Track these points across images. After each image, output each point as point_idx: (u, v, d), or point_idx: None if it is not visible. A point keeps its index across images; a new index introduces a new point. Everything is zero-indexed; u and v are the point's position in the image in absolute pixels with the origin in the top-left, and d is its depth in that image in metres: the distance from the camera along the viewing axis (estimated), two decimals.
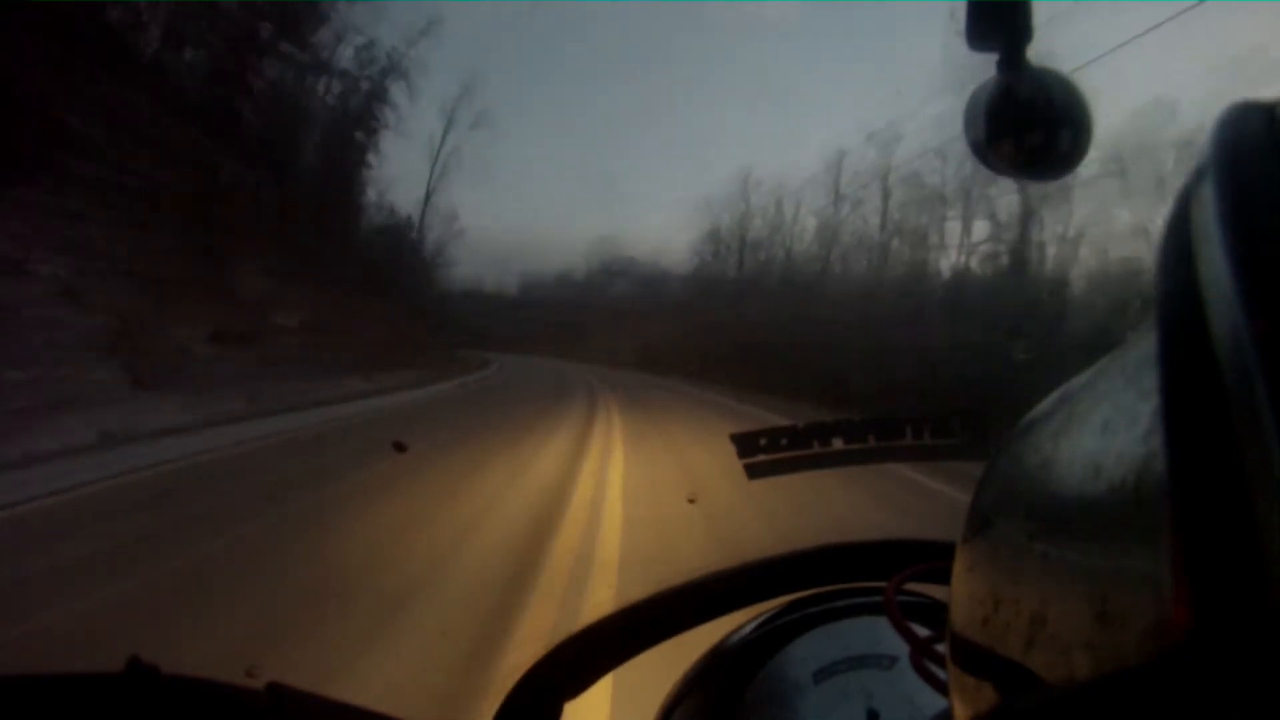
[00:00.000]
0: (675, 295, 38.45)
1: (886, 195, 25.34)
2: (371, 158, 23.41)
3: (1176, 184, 0.17)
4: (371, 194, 24.89)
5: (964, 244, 20.94)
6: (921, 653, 0.39)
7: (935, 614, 0.48)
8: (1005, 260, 18.84)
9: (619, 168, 76.64)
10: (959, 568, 0.25)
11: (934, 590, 0.51)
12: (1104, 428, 0.19)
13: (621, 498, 4.97)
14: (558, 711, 0.46)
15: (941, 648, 0.30)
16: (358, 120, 22.38)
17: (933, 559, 0.47)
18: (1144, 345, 0.18)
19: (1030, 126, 0.47)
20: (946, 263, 21.40)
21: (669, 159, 79.21)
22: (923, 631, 0.40)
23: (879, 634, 0.50)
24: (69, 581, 2.74)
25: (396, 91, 23.28)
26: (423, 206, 30.59)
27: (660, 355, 32.59)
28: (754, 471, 0.60)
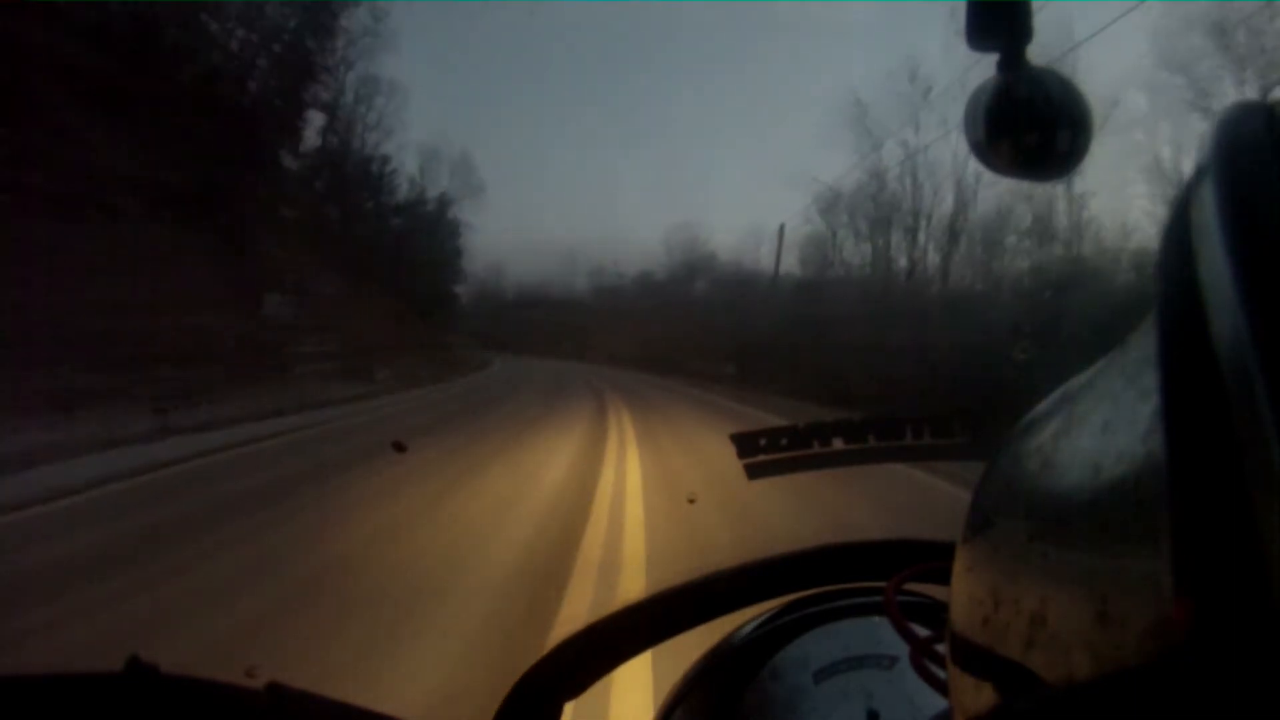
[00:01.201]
0: (763, 293, 29.35)
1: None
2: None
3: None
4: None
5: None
6: (921, 653, 0.39)
7: (935, 614, 0.48)
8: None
9: (697, 170, 75.72)
10: (959, 568, 0.25)
11: (934, 590, 0.51)
12: (1104, 428, 0.19)
13: None
14: (558, 711, 0.46)
15: (941, 648, 0.30)
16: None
17: (933, 559, 0.47)
18: (1144, 345, 0.18)
19: (1029, 126, 0.47)
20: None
21: (744, 157, 78.92)
22: (923, 631, 0.40)
23: (879, 634, 0.50)
24: None
25: None
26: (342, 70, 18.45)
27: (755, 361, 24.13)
28: (754, 472, 0.60)
